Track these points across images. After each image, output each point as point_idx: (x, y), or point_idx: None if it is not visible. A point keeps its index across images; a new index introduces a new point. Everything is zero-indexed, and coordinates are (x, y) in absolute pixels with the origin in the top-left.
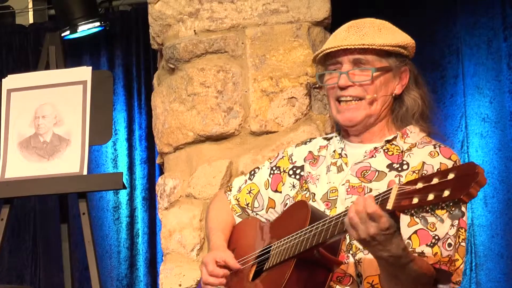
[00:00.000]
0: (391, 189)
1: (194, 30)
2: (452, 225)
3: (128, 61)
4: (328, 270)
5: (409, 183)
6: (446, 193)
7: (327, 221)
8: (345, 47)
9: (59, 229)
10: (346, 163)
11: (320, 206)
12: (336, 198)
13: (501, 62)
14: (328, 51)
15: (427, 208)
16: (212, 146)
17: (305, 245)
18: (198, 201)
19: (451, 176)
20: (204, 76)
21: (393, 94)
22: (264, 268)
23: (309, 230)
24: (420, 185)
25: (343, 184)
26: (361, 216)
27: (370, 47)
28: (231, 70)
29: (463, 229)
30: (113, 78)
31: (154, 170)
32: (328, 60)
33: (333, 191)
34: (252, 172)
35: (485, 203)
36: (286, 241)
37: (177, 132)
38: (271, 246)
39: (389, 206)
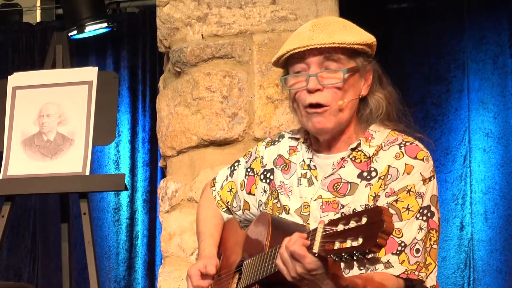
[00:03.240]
0: (316, 229)
1: (202, 35)
2: (420, 228)
3: (134, 63)
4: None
5: (331, 223)
6: (360, 241)
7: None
8: (314, 46)
9: (58, 229)
10: (316, 176)
11: (295, 218)
12: (309, 214)
13: (506, 78)
14: (296, 51)
15: (346, 256)
16: (216, 151)
17: (264, 273)
18: None
19: (364, 220)
20: (210, 80)
21: (360, 96)
22: None
23: (268, 255)
24: (341, 226)
25: (315, 200)
26: (288, 253)
27: (341, 45)
28: (237, 75)
29: (434, 230)
30: (118, 79)
31: (156, 173)
32: (292, 62)
33: (306, 206)
34: (232, 168)
35: (486, 218)
36: (251, 262)
37: (181, 135)
38: (243, 262)
39: (315, 249)
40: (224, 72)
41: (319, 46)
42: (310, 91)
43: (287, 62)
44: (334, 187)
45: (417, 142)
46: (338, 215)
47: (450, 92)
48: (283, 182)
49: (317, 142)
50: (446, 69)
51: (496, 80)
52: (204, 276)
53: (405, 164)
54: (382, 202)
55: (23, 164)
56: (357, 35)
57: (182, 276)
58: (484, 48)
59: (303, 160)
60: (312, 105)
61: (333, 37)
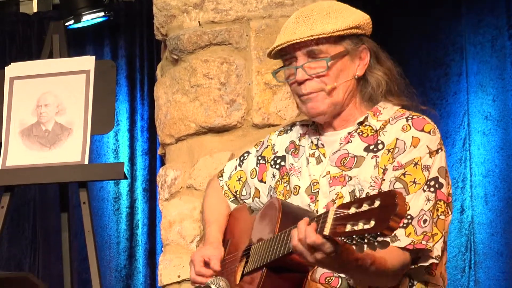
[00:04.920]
0: (328, 212)
1: (199, 21)
2: (428, 200)
3: (132, 52)
4: (302, 272)
5: (343, 206)
6: (372, 223)
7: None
8: (295, 41)
9: (58, 219)
10: (323, 154)
11: (304, 199)
12: (318, 191)
13: (505, 61)
14: (279, 47)
15: (357, 238)
16: (214, 138)
17: (273, 256)
18: (199, 192)
19: (377, 203)
20: (207, 67)
21: (356, 76)
22: (244, 272)
23: (277, 239)
24: (353, 209)
25: (324, 176)
26: (304, 244)
27: (320, 36)
28: (234, 62)
29: (442, 201)
30: (116, 68)
31: (155, 161)
32: (282, 55)
33: (315, 183)
34: (242, 158)
35: (486, 201)
36: (260, 246)
37: (179, 123)
38: (250, 247)
39: (326, 231)
40: (221, 59)
41: (298, 41)
42: (299, 82)
43: (280, 54)
44: (342, 162)
45: (424, 116)
46: (346, 188)
47: (448, 76)
48: (292, 164)
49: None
50: (444, 53)
51: (495, 63)
52: (207, 265)
53: (412, 136)
54: (390, 175)
55: (21, 154)
56: (340, 21)
57: (182, 264)
58: (482, 31)
59: (311, 141)
60: (304, 94)
61: (313, 29)
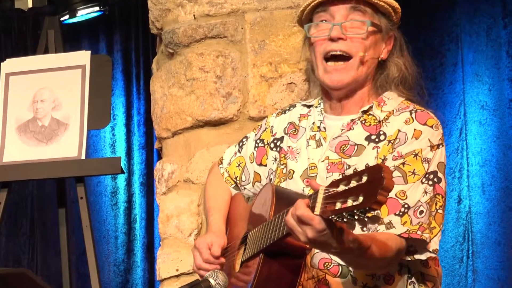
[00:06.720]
0: (318, 192)
1: (194, 15)
2: (425, 192)
3: (127, 46)
4: (300, 256)
5: (332, 184)
6: (360, 199)
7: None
8: None
9: (56, 214)
10: (324, 138)
11: (298, 184)
12: (316, 175)
13: (500, 50)
14: None
15: (347, 215)
16: (211, 131)
17: (269, 240)
18: (196, 186)
19: (364, 178)
20: (203, 61)
21: (379, 58)
22: (242, 260)
23: (272, 223)
24: (342, 187)
25: (323, 161)
26: (295, 218)
27: None
28: (230, 55)
29: (440, 196)
30: (112, 62)
31: (152, 155)
32: (316, 13)
33: (313, 167)
34: (241, 144)
35: (483, 191)
36: (255, 233)
37: (175, 117)
38: (247, 234)
39: (317, 211)
40: (217, 52)
41: None
42: (332, 39)
43: (312, 17)
44: (341, 149)
45: (428, 111)
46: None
47: (444, 66)
48: (290, 146)
49: (329, 101)
50: (440, 43)
51: (490, 52)
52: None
53: (414, 129)
54: (389, 165)
55: (18, 150)
56: None
57: (180, 258)
58: (477, 20)
59: (313, 123)
60: (334, 57)
61: None
